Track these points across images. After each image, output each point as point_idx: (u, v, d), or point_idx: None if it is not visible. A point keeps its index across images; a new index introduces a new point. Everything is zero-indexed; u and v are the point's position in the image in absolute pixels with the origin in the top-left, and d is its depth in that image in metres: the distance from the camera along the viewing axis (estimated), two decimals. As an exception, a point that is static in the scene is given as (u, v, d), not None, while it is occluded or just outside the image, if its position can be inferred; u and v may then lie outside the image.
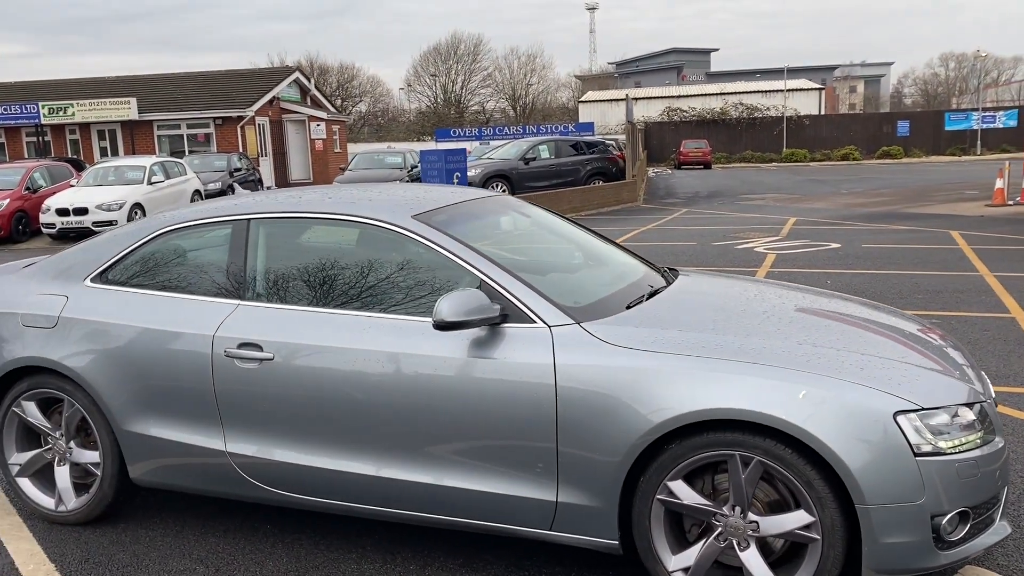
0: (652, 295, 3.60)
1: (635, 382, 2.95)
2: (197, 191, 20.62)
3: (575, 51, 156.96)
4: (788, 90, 52.08)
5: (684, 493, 2.96)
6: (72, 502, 3.92)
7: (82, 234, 17.25)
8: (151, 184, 18.54)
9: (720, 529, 2.94)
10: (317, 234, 3.80)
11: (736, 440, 2.85)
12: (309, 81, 35.76)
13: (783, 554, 2.99)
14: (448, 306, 3.07)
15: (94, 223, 17.01)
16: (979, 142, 46.41)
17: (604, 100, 56.62)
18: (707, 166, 43.06)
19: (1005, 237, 12.68)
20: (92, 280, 3.89)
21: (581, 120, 52.24)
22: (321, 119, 32.51)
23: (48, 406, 3.97)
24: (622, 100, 54.32)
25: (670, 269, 4.22)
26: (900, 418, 2.76)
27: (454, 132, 45.52)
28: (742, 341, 3.06)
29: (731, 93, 53.15)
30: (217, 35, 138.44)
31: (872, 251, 11.71)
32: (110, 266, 3.89)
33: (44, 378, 3.85)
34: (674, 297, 3.62)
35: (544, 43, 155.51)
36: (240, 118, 28.52)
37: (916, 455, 2.74)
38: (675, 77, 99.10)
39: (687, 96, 55.67)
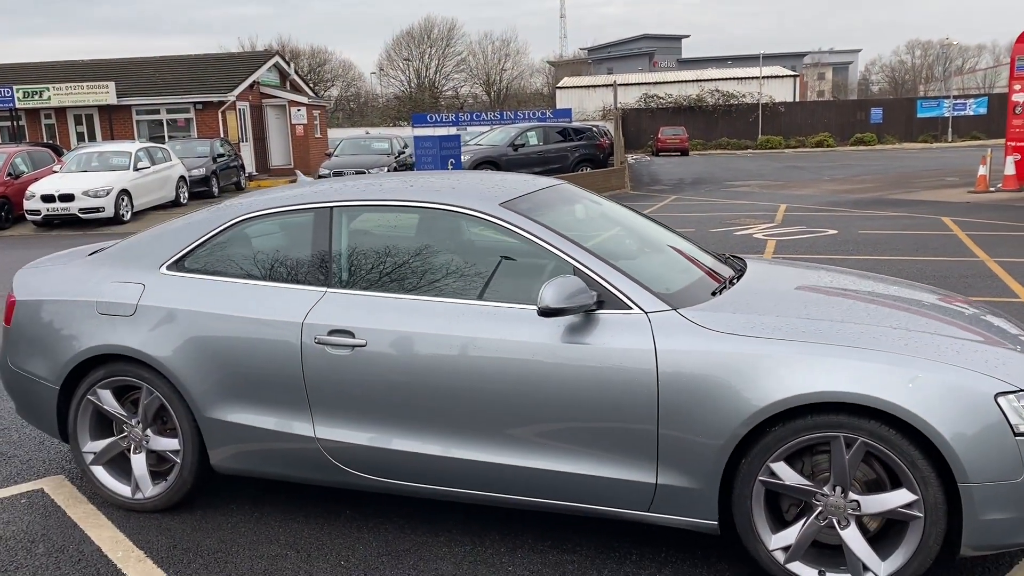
0: (732, 282, 3.68)
1: (738, 367, 3.03)
2: (182, 177, 20.42)
3: (544, 35, 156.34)
4: (763, 77, 52.54)
5: (786, 474, 3.05)
6: (149, 489, 3.93)
7: (68, 221, 17.04)
8: (137, 170, 18.32)
9: (820, 508, 3.04)
10: (400, 222, 3.83)
11: (841, 422, 2.94)
12: (289, 66, 35.37)
13: (876, 533, 3.09)
14: (552, 293, 3.12)
15: (80, 210, 16.80)
16: (950, 129, 47.17)
17: (581, 87, 56.68)
18: (684, 153, 43.31)
19: (995, 223, 12.97)
20: (168, 268, 3.89)
21: (559, 106, 52.20)
22: (301, 104, 32.20)
23: (122, 394, 3.97)
24: (599, 86, 54.51)
25: (734, 256, 4.31)
26: (1000, 399, 2.87)
27: (430, 118, 45.15)
28: (837, 326, 3.15)
29: (707, 80, 53.46)
30: (180, 16, 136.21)
31: (870, 237, 11.92)
32: (186, 254, 3.89)
33: (121, 366, 3.85)
34: (754, 284, 3.71)
35: (516, 27, 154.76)
36: (221, 103, 28.16)
37: (1016, 435, 2.85)
38: (647, 63, 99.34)
39: (663, 83, 55.84)
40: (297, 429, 3.60)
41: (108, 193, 17.04)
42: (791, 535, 3.09)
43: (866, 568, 3.00)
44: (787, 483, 3.05)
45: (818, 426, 2.97)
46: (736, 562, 3.35)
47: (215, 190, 21.96)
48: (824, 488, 3.03)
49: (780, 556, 3.09)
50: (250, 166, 29.06)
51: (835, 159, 35.14)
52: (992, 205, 15.54)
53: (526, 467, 3.31)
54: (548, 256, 3.41)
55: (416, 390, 3.41)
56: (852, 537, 3.02)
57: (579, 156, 22.57)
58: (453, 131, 28.15)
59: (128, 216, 17.63)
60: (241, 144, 29.04)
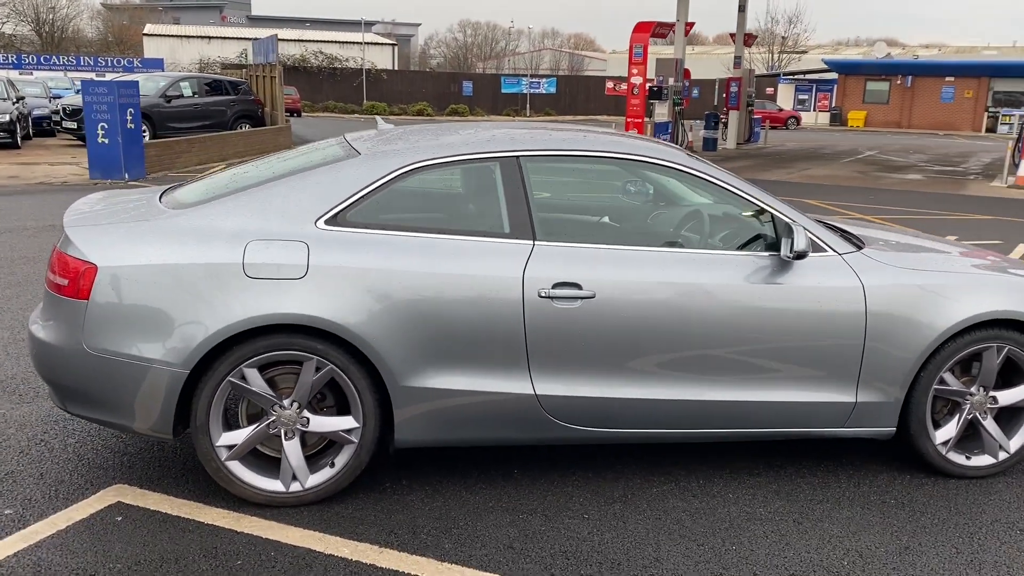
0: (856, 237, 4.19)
1: (923, 295, 3.67)
2: None
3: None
4: (365, 43, 53.41)
5: (952, 381, 3.78)
6: (309, 479, 3.40)
7: None
8: None
9: (968, 406, 3.83)
10: (587, 172, 3.78)
11: (996, 335, 3.74)
12: None
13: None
14: (801, 240, 3.47)
15: None
16: (528, 105, 52.71)
17: (173, 36, 52.28)
18: (297, 113, 42.43)
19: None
20: (326, 222, 3.37)
21: (147, 55, 47.70)
22: None
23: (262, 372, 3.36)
24: (195, 38, 50.91)
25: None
26: None
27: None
28: (982, 269, 3.94)
29: (310, 41, 52.78)
30: None
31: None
32: (347, 207, 3.40)
33: (282, 338, 3.26)
34: (872, 235, 4.25)
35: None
36: None
37: None
38: (216, 17, 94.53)
39: (256, 39, 53.86)
40: (512, 387, 3.43)
41: None
42: (951, 430, 3.83)
43: (1001, 447, 3.86)
44: (952, 387, 3.79)
45: (979, 339, 3.73)
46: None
47: None
48: (971, 388, 3.82)
49: (942, 449, 3.82)
50: None
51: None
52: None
53: (746, 401, 3.60)
54: (742, 204, 3.70)
55: (642, 338, 3.48)
56: (991, 426, 3.86)
57: (237, 112, 21.18)
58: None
59: None
60: None
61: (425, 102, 49.39)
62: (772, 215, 3.68)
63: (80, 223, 3.44)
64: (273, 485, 3.39)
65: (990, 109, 44.53)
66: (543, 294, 3.39)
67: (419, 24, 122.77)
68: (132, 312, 3.22)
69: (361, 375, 3.34)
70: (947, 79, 45.71)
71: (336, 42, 54.42)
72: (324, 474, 3.43)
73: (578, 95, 54.66)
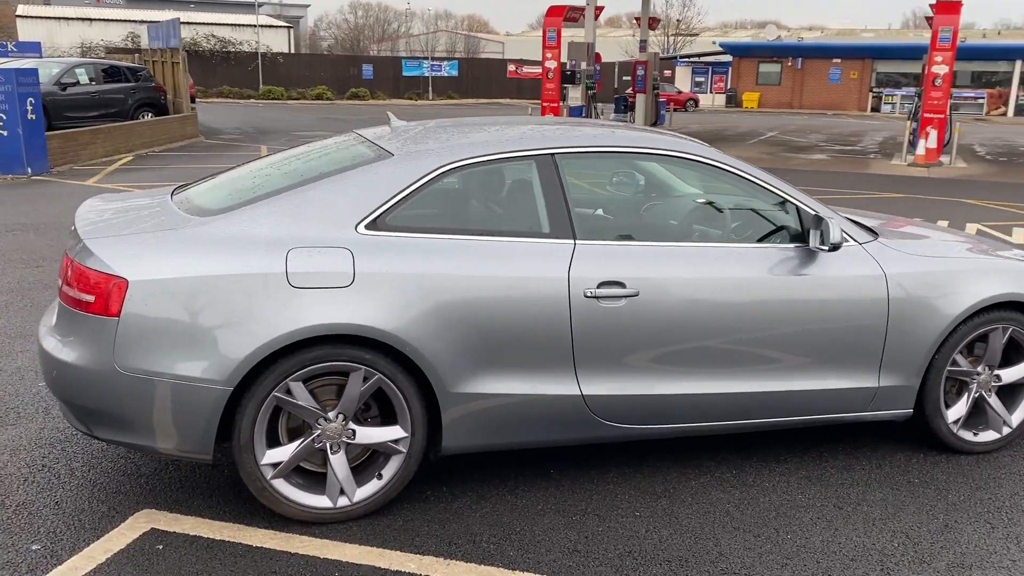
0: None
1: (938, 281, 3.82)
2: None
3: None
4: (260, 26, 51.69)
5: (962, 362, 3.96)
6: (357, 493, 3.29)
7: None
8: None
9: (975, 385, 4.02)
10: (622, 169, 3.75)
11: (1001, 316, 3.92)
12: None
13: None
14: (836, 231, 3.55)
15: None
16: (431, 88, 52.22)
17: (52, 17, 49.26)
18: (193, 100, 40.81)
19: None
20: (366, 227, 3.24)
21: (22, 39, 44.81)
22: None
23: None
24: (76, 19, 48.20)
25: None
26: None
27: None
28: (977, 253, 4.11)
29: (201, 24, 50.65)
30: None
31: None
32: (386, 210, 3.28)
33: (328, 349, 3.13)
34: (886, 227, 4.37)
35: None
36: None
37: None
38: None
39: (150, 22, 51.40)
40: (559, 389, 3.40)
41: None
42: (962, 408, 4.01)
43: (1005, 423, 4.06)
44: (963, 368, 3.96)
45: (988, 321, 3.91)
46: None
47: None
48: (978, 367, 4.01)
49: (954, 427, 4.00)
50: None
51: (362, 111, 36.66)
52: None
53: (782, 391, 3.68)
54: (769, 197, 3.76)
55: (681, 333, 3.50)
56: (995, 402, 4.06)
57: (139, 100, 20.15)
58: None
59: None
60: None
61: (324, 86, 48.25)
62: (797, 207, 3.75)
63: (99, 233, 3.20)
64: (320, 501, 3.26)
65: (874, 89, 46.75)
66: (589, 294, 3.36)
67: (308, 5, 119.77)
68: (168, 328, 3.02)
69: (409, 383, 3.24)
70: (834, 61, 47.69)
71: (229, 24, 52.48)
72: (372, 487, 3.31)
73: (480, 78, 54.47)
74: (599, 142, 3.67)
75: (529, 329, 3.32)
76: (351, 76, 50.82)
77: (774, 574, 3.03)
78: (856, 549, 3.20)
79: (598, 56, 24.42)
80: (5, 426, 4.07)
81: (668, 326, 3.47)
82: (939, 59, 17.88)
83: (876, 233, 3.94)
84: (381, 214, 3.28)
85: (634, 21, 32.93)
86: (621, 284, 3.40)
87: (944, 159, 18.35)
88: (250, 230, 3.17)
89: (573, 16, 22.67)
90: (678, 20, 58.11)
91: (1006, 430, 4.07)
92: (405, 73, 52.58)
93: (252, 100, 44.99)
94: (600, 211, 3.91)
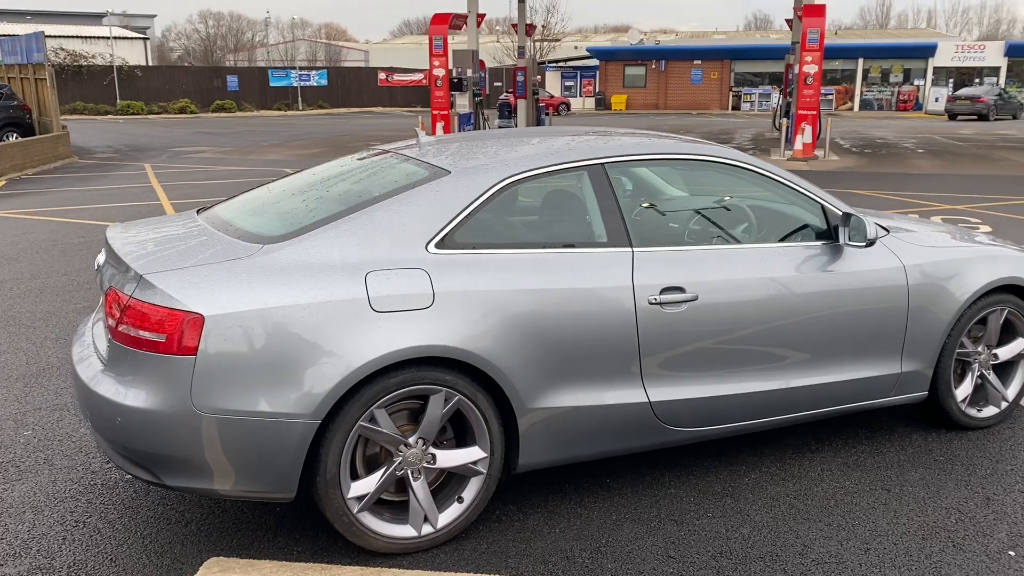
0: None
1: (947, 269, 4.07)
2: None
3: None
4: (114, 38, 49.05)
5: (968, 344, 4.23)
6: (440, 519, 3.19)
7: None
8: None
9: (977, 364, 4.31)
10: (667, 176, 3.80)
11: (999, 299, 4.22)
12: None
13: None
14: (871, 228, 3.74)
15: None
16: (300, 98, 51.08)
17: None
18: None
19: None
20: (436, 245, 3.16)
21: None
22: None
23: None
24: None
25: None
26: None
27: None
28: (971, 242, 4.39)
29: (49, 36, 47.59)
30: None
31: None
32: (455, 227, 3.21)
33: (411, 373, 3.03)
34: (885, 221, 4.60)
35: None
36: None
37: None
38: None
39: (7, 35, 47.97)
40: (628, 397, 3.42)
41: None
42: (967, 388, 4.29)
43: (1003, 398, 4.37)
44: (967, 349, 4.24)
45: (993, 303, 4.21)
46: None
47: None
48: (979, 347, 4.30)
49: (963, 405, 4.27)
50: None
51: (234, 124, 35.45)
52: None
53: (826, 383, 3.82)
54: (799, 199, 3.91)
55: (740, 335, 3.59)
56: (994, 379, 4.36)
57: (3, 120, 18.82)
58: None
59: None
60: None
61: (187, 99, 46.41)
62: (823, 207, 3.91)
63: (158, 266, 2.97)
64: (404, 531, 3.14)
65: (734, 89, 49.09)
66: (652, 300, 3.40)
67: (154, 15, 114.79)
68: (248, 363, 2.85)
69: (488, 403, 3.18)
70: (695, 63, 49.77)
71: (79, 37, 49.61)
72: (453, 511, 3.23)
73: (351, 87, 53.72)
74: (641, 150, 3.72)
75: (598, 339, 3.32)
76: (215, 88, 49.08)
77: (861, 559, 3.15)
78: (922, 528, 3.37)
79: (482, 63, 24.55)
80: (11, 482, 3.72)
81: (725, 328, 3.55)
82: (809, 59, 18.94)
83: (887, 228, 4.17)
84: (449, 232, 3.20)
85: (511, 28, 33.27)
86: (681, 289, 3.46)
87: (819, 153, 19.49)
88: (323, 255, 3.03)
89: (457, 24, 22.70)
90: (543, 26, 59.13)
91: (1004, 404, 4.38)
92: (272, 83, 51.25)
93: (110, 116, 42.75)
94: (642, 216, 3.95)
